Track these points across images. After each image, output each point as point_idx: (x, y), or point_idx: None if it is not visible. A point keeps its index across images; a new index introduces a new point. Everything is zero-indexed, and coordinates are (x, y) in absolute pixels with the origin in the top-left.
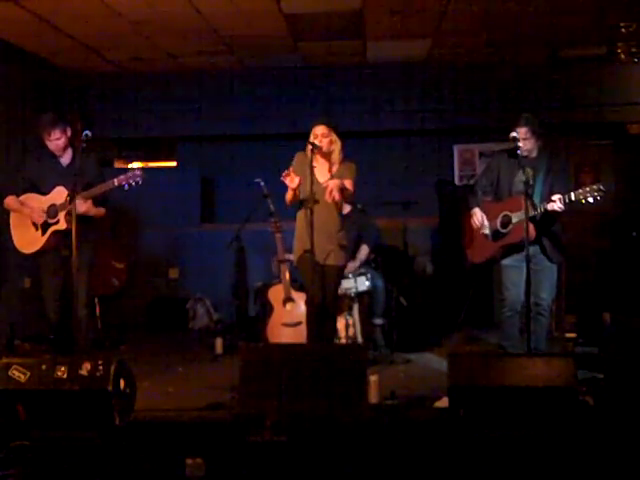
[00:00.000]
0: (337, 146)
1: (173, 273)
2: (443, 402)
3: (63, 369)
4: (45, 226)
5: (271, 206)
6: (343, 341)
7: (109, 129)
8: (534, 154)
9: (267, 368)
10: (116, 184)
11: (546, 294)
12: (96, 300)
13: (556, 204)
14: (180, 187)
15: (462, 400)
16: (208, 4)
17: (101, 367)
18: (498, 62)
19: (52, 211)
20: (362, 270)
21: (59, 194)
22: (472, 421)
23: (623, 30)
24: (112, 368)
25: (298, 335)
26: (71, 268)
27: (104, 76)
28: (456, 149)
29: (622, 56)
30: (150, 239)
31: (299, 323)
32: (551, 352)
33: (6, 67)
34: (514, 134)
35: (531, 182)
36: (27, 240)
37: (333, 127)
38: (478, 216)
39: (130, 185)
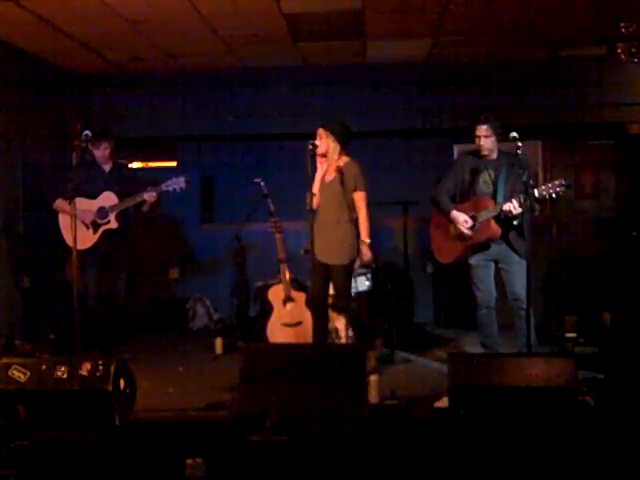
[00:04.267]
0: (331, 147)
1: (173, 273)
2: (443, 402)
3: (63, 369)
4: (96, 225)
5: (271, 206)
6: (343, 341)
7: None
8: (495, 155)
9: (267, 368)
10: (163, 189)
11: (520, 289)
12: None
13: (512, 204)
14: None
15: (462, 400)
16: (208, 4)
17: (101, 367)
18: (498, 62)
19: (102, 213)
20: (362, 270)
21: (107, 198)
22: (472, 421)
23: (623, 30)
24: (112, 368)
25: (298, 335)
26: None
27: (104, 76)
28: (456, 149)
29: (622, 56)
30: (150, 239)
31: (299, 323)
32: (551, 352)
33: (6, 67)
34: (514, 134)
35: (493, 182)
36: (80, 238)
37: (331, 130)
38: (461, 219)
39: (175, 190)
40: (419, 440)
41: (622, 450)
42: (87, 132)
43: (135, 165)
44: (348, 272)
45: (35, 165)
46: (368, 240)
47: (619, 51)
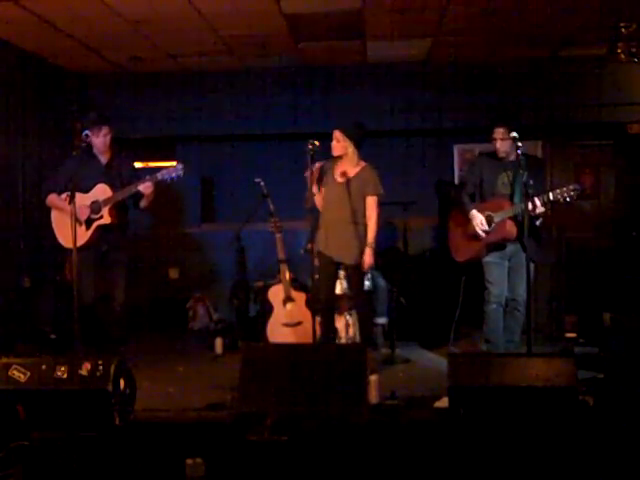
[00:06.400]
0: (350, 150)
1: (173, 273)
2: (443, 402)
3: (63, 369)
4: (89, 221)
5: (271, 206)
6: (343, 341)
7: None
8: (512, 157)
9: (267, 368)
10: (159, 178)
11: (522, 291)
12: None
13: (534, 203)
14: (180, 187)
15: (462, 400)
16: (208, 4)
17: (101, 367)
18: (498, 62)
19: (95, 207)
20: None
21: (101, 191)
22: (472, 421)
23: (623, 30)
24: (112, 368)
25: (298, 335)
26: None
27: (104, 76)
28: (456, 149)
29: (622, 56)
30: (150, 239)
31: (299, 323)
32: (551, 352)
33: (6, 67)
34: (514, 134)
35: (511, 183)
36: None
37: (348, 132)
38: (477, 220)
39: (172, 179)
40: (419, 440)
41: (622, 450)
42: (87, 132)
43: (135, 165)
44: (362, 275)
45: (35, 165)
46: (373, 244)
47: (619, 51)
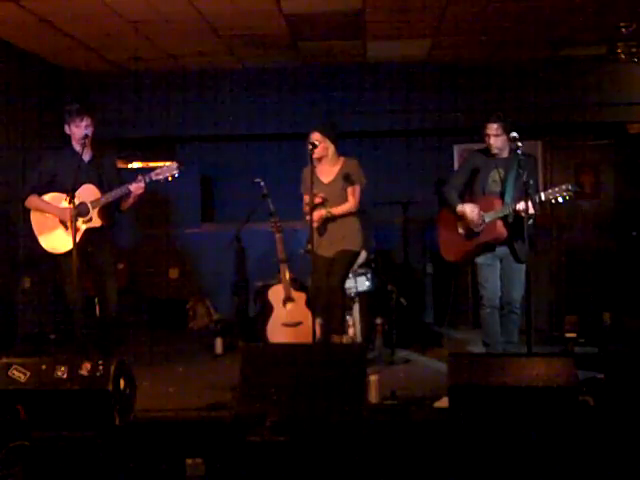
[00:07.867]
0: (330, 150)
1: (173, 273)
2: (443, 402)
3: (63, 369)
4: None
5: (271, 206)
6: (343, 340)
7: (109, 129)
8: (505, 154)
9: (267, 368)
10: (153, 178)
11: (516, 293)
12: (96, 300)
13: (527, 204)
14: (180, 187)
15: (462, 400)
16: (208, 4)
17: (101, 367)
18: (498, 62)
19: (83, 209)
20: (362, 270)
21: (88, 192)
22: (472, 421)
23: (623, 30)
24: (112, 368)
25: (298, 335)
26: (96, 267)
27: (104, 76)
28: (456, 149)
29: (622, 56)
30: (150, 239)
31: (299, 323)
32: (551, 352)
33: (6, 67)
34: (514, 134)
35: (502, 181)
36: (58, 240)
37: (326, 133)
38: (467, 209)
39: (166, 178)
40: (419, 440)
41: (622, 450)
42: (86, 132)
43: (135, 165)
44: (348, 260)
45: (35, 165)
46: (333, 212)
47: (619, 51)
